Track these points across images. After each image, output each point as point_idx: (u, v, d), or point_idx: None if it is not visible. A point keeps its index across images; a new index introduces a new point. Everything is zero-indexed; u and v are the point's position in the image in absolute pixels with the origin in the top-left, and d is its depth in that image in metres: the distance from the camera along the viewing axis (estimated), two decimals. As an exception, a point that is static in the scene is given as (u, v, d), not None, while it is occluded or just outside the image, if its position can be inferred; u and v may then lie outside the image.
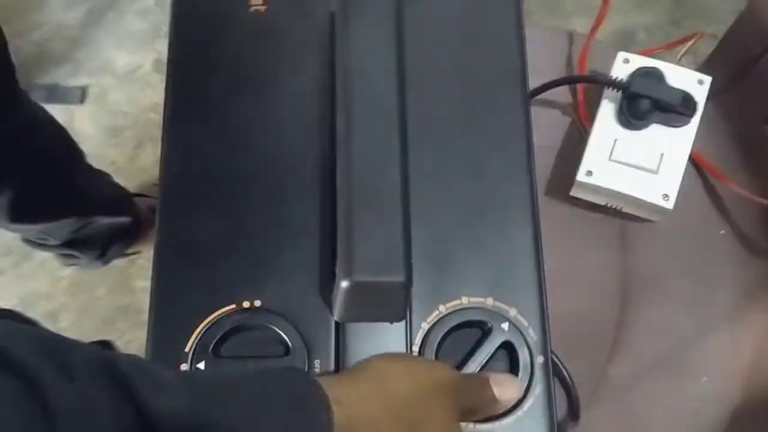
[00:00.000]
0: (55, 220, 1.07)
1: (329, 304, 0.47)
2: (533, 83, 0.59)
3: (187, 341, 0.45)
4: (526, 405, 0.47)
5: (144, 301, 1.23)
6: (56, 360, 0.30)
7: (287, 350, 0.46)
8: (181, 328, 0.45)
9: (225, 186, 0.49)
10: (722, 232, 0.73)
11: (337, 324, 0.47)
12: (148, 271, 1.36)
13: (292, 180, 0.50)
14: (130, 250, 1.24)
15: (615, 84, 0.69)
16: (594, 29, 0.76)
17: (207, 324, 0.45)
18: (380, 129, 0.47)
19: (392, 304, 0.46)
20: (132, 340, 1.21)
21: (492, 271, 0.50)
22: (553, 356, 0.62)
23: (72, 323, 1.24)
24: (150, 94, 1.39)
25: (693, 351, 0.69)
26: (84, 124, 1.37)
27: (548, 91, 0.75)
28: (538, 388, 0.48)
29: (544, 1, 1.38)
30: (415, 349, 0.47)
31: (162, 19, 1.43)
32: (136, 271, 1.28)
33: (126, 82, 1.40)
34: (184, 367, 0.45)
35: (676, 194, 0.68)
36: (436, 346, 0.47)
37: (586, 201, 0.73)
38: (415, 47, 0.53)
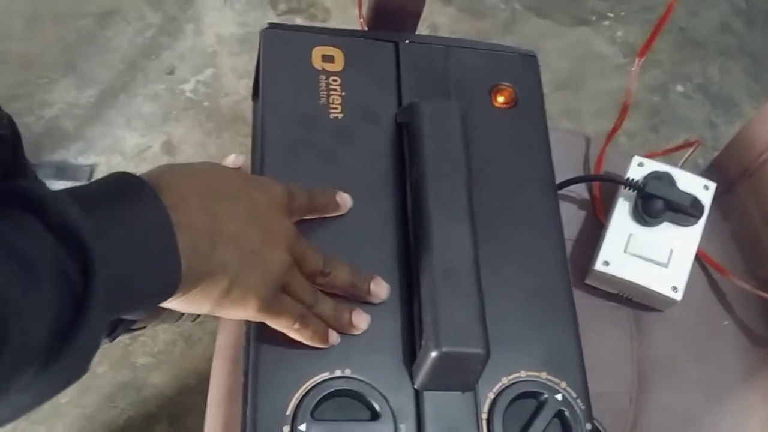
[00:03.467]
0: None
1: (410, 373, 0.52)
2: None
3: (288, 405, 0.49)
4: None
5: (144, 378, 1.23)
6: None
7: (374, 415, 0.50)
8: (282, 393, 0.50)
9: None
10: (726, 322, 0.80)
11: (416, 392, 0.52)
12: (150, 347, 1.36)
13: (372, 264, 0.56)
14: (136, 326, 1.25)
15: (632, 185, 0.77)
16: (612, 134, 0.84)
17: (304, 389, 0.50)
18: (455, 222, 0.54)
19: (469, 373, 0.52)
20: (133, 416, 1.22)
21: (544, 347, 0.56)
22: (599, 424, 0.68)
23: (71, 399, 1.25)
24: (158, 174, 1.43)
25: (704, 429, 0.75)
26: (91, 201, 1.40)
27: (566, 188, 0.82)
28: None
29: (562, 108, 1.51)
30: (484, 416, 0.52)
31: (171, 102, 1.49)
32: (138, 347, 1.29)
33: (135, 162, 1.44)
34: (285, 429, 0.49)
35: (684, 287, 0.75)
36: (502, 414, 0.53)
37: (601, 290, 0.79)
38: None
